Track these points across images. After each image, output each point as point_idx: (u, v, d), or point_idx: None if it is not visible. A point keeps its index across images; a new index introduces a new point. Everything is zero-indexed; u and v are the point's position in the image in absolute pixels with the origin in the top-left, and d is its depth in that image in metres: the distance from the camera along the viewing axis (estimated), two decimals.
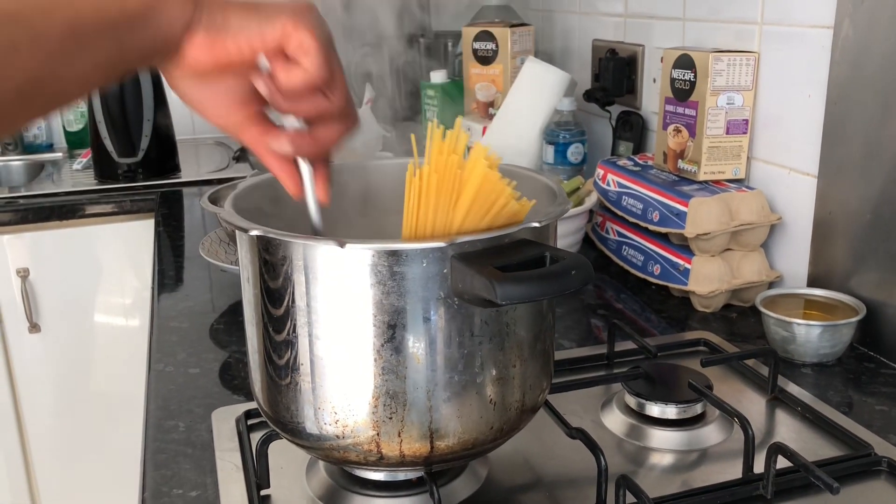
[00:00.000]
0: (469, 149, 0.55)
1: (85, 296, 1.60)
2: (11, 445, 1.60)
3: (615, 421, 0.74)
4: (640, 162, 1.17)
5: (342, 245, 0.50)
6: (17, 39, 0.39)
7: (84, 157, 1.78)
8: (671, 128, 1.09)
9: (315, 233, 0.57)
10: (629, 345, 0.84)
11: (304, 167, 0.56)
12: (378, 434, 0.54)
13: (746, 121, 1.05)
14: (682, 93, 1.07)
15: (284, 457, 0.67)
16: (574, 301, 1.03)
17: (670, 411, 0.72)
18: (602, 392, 0.79)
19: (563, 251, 0.51)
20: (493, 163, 0.53)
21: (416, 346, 0.52)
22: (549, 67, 1.33)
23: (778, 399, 0.77)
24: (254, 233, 0.53)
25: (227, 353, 0.90)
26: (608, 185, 1.15)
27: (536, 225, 0.53)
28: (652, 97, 1.31)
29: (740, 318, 0.98)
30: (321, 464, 0.66)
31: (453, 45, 1.75)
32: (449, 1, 1.99)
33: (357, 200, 0.71)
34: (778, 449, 0.60)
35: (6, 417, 1.58)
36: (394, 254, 0.50)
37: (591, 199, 1.12)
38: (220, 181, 1.59)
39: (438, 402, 0.54)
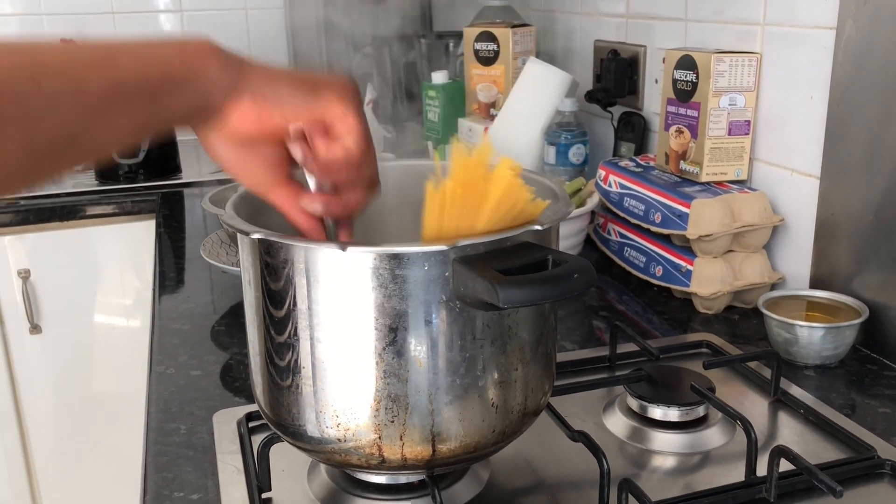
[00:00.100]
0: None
1: (86, 297, 1.60)
2: (12, 446, 1.59)
3: (617, 423, 0.73)
4: (642, 163, 1.17)
5: (344, 248, 0.50)
6: (59, 94, 0.40)
7: None
8: (673, 129, 1.09)
9: None
10: (631, 347, 0.84)
11: (329, 225, 0.57)
12: (380, 437, 0.54)
13: (749, 122, 1.04)
14: (684, 94, 1.06)
15: (286, 460, 0.66)
16: (576, 303, 1.03)
17: (672, 414, 0.72)
18: (604, 394, 0.78)
19: (565, 254, 0.50)
20: (517, 171, 0.53)
21: (417, 349, 0.52)
22: (550, 68, 1.33)
23: (780, 401, 0.77)
24: (255, 236, 0.53)
25: (229, 355, 0.90)
26: (610, 186, 1.14)
27: (538, 227, 0.53)
28: (654, 98, 1.31)
29: (742, 320, 0.97)
30: (322, 467, 0.66)
31: (454, 45, 1.75)
32: (450, 1, 1.99)
33: None
34: (781, 452, 0.60)
35: (7, 418, 1.58)
36: (395, 257, 0.50)
37: (593, 201, 1.12)
38: (221, 182, 1.59)
39: (440, 406, 0.54)
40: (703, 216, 0.97)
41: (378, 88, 1.69)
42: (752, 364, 0.82)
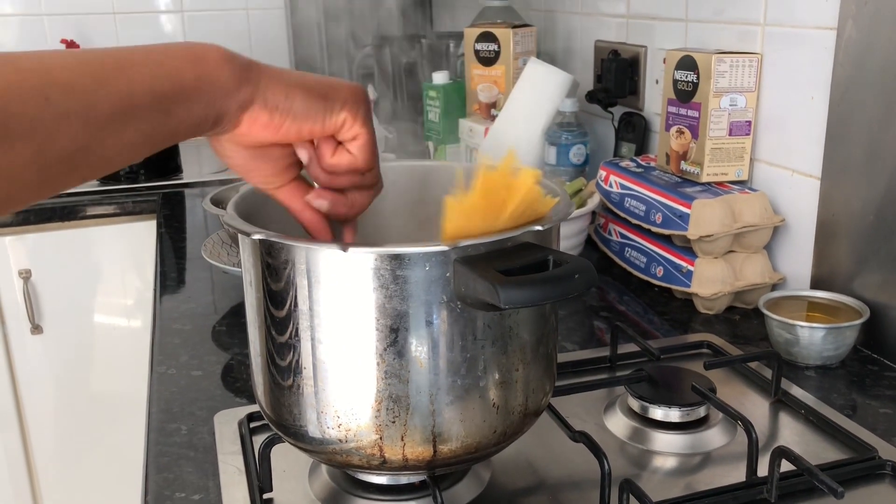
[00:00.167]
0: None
1: (87, 297, 1.60)
2: (13, 446, 1.60)
3: (618, 424, 0.73)
4: (643, 163, 1.17)
5: (345, 249, 0.50)
6: (70, 109, 0.39)
7: None
8: (674, 129, 1.09)
9: None
10: (632, 347, 0.84)
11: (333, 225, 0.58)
12: (381, 438, 0.54)
13: (749, 122, 1.04)
14: (685, 94, 1.06)
15: (287, 460, 0.67)
16: (576, 303, 1.03)
17: (673, 414, 0.72)
18: (605, 395, 0.78)
19: (566, 255, 0.50)
20: (538, 179, 0.54)
21: (418, 349, 0.52)
22: (551, 68, 1.33)
23: (781, 402, 0.77)
24: (256, 237, 0.53)
25: (230, 356, 0.90)
26: (611, 186, 1.14)
27: (539, 228, 0.53)
28: (654, 98, 1.31)
29: (743, 321, 0.97)
30: (324, 467, 0.66)
31: (455, 45, 1.75)
32: (451, 1, 1.99)
33: None
34: (782, 452, 0.60)
35: (8, 419, 1.58)
36: (396, 258, 0.50)
37: (594, 201, 1.12)
38: (222, 182, 1.59)
39: (441, 406, 0.54)
40: (704, 217, 0.97)
41: (379, 89, 1.69)
42: (753, 364, 0.82)
